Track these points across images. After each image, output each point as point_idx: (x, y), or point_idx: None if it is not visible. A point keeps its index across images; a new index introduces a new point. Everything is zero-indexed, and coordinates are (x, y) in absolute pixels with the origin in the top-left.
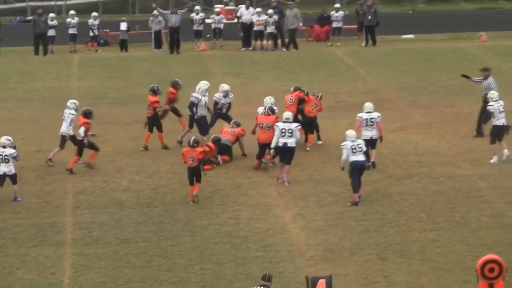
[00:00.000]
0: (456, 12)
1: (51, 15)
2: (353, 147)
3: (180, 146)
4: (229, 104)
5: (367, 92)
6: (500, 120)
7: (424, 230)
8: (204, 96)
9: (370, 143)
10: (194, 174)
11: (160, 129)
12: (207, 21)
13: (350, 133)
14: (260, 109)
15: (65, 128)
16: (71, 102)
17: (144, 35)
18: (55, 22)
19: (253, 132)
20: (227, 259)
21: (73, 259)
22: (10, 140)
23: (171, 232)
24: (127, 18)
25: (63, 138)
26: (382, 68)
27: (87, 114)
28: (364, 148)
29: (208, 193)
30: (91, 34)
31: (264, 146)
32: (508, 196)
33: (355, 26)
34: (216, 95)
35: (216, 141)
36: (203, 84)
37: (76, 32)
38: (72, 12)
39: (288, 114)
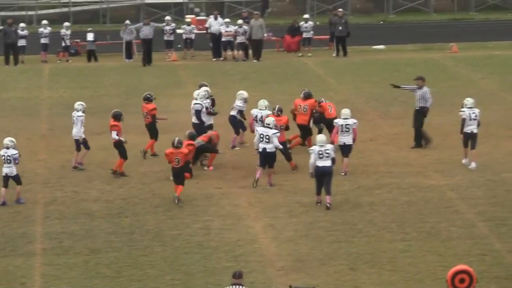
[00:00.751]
0: (427, 23)
1: (22, 25)
2: (320, 152)
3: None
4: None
5: (338, 102)
6: (469, 127)
7: (394, 240)
8: (204, 101)
9: (344, 149)
10: (179, 175)
11: (155, 137)
12: (178, 31)
13: (319, 138)
14: (254, 111)
15: (75, 132)
16: (78, 104)
17: (115, 46)
18: (25, 32)
19: (253, 131)
20: (197, 269)
21: (43, 269)
22: (13, 141)
23: (142, 242)
24: (98, 28)
25: (77, 142)
26: (353, 79)
27: (116, 117)
28: (333, 154)
29: (179, 203)
30: (63, 44)
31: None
32: (478, 206)
33: (327, 37)
34: (239, 103)
35: (192, 136)
36: (202, 90)
37: (48, 42)
38: (44, 22)
39: (269, 120)
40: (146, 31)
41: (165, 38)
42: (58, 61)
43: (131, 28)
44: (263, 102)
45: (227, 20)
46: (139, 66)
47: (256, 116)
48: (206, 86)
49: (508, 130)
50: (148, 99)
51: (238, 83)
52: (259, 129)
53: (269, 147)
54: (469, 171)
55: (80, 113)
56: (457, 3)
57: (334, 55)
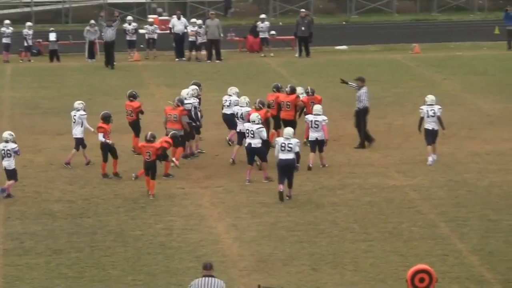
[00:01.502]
0: (389, 23)
1: None
2: (283, 145)
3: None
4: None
5: None
6: (429, 124)
7: (356, 240)
8: (193, 101)
9: (317, 144)
10: (150, 169)
11: (138, 134)
12: (141, 31)
13: (286, 130)
14: (236, 109)
15: (77, 131)
16: (79, 103)
17: (77, 45)
18: None
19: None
20: (160, 270)
21: (5, 270)
22: (12, 135)
23: (104, 243)
24: (60, 28)
25: (78, 141)
26: (316, 79)
27: (105, 118)
28: (296, 149)
29: (141, 204)
30: (25, 44)
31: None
32: (440, 207)
33: (290, 37)
34: (235, 98)
35: (175, 137)
36: (191, 89)
37: (10, 42)
38: (6, 21)
39: (254, 116)
40: (109, 33)
41: (127, 38)
42: (20, 61)
43: (96, 29)
44: (244, 99)
45: (193, 20)
46: (102, 66)
47: (237, 113)
48: (198, 85)
49: (470, 131)
50: (134, 96)
51: (201, 83)
52: (245, 125)
53: (254, 142)
54: (431, 172)
55: (81, 112)
56: (420, 4)
57: (297, 55)
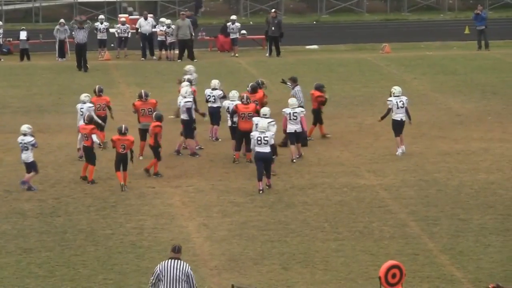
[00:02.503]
0: (360, 23)
1: None
2: (259, 138)
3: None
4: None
5: (271, 102)
6: (398, 115)
7: (327, 240)
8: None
9: (295, 136)
10: (122, 161)
11: (103, 129)
12: (112, 30)
13: (261, 123)
14: (226, 103)
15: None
16: (85, 96)
17: (48, 44)
18: None
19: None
20: (130, 269)
21: None
22: (30, 128)
23: (74, 242)
24: (31, 27)
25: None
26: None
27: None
28: (272, 141)
29: (111, 203)
30: None
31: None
32: (410, 206)
33: (261, 36)
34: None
35: (159, 117)
36: (188, 86)
37: None
38: None
39: (265, 110)
40: (80, 35)
41: (98, 37)
42: None
43: (66, 28)
44: (235, 93)
45: (162, 19)
46: (72, 65)
47: (228, 108)
48: (189, 81)
49: (440, 130)
50: (102, 91)
51: (171, 82)
52: (255, 119)
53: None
54: (402, 171)
55: (89, 104)
56: (390, 4)
57: (267, 55)
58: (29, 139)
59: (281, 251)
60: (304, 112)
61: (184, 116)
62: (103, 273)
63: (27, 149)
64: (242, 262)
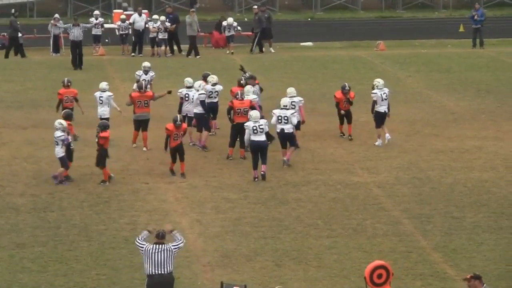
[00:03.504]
0: (355, 20)
1: None
2: (254, 127)
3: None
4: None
5: (265, 98)
6: (382, 107)
7: (320, 237)
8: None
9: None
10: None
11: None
12: (107, 26)
13: (254, 113)
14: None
15: (105, 112)
16: (106, 84)
17: (42, 39)
18: None
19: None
20: (123, 265)
21: None
22: (62, 124)
23: (68, 237)
24: (25, 22)
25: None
26: (281, 75)
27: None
28: (266, 129)
29: (105, 198)
30: None
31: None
32: (404, 204)
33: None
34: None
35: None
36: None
37: None
38: None
39: (285, 101)
40: (76, 32)
41: (93, 32)
42: None
43: (61, 22)
44: (250, 88)
45: (155, 16)
46: (67, 60)
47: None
48: (205, 76)
49: (434, 128)
50: (70, 83)
51: (165, 79)
52: (276, 112)
53: (287, 128)
54: (395, 169)
55: (109, 93)
56: (385, 1)
57: (257, 51)
58: (58, 134)
59: (274, 247)
60: (303, 101)
61: (197, 109)
62: (96, 268)
63: (57, 144)
64: (235, 258)
